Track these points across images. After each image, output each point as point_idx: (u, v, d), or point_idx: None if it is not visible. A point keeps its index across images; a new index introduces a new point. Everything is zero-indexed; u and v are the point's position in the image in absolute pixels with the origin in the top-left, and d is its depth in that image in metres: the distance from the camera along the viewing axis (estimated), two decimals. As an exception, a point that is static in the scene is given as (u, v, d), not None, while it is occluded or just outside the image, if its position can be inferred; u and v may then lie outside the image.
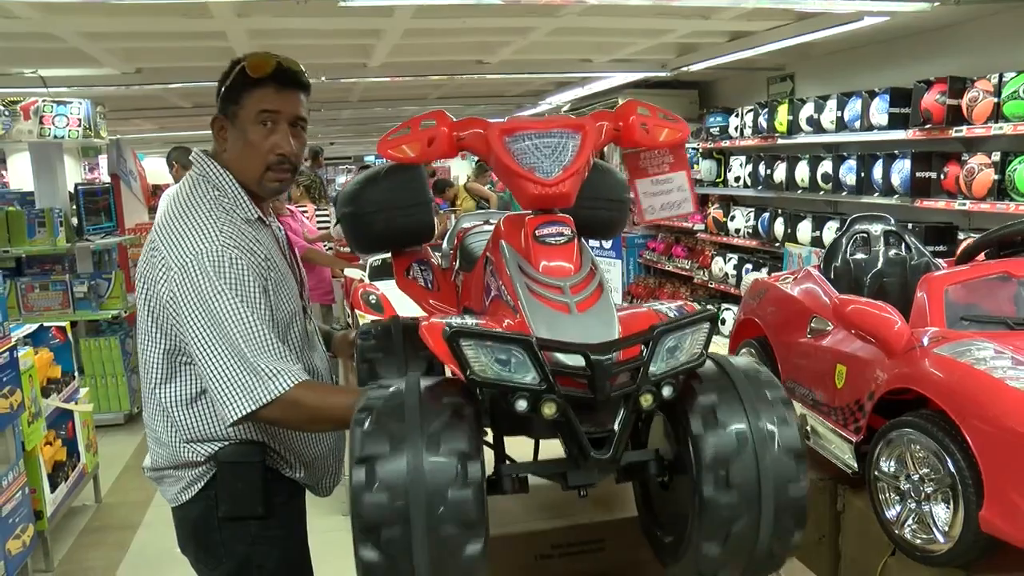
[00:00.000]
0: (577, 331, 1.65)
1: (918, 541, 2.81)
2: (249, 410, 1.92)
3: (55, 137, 6.50)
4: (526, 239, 1.83)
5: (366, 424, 1.52)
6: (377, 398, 1.59)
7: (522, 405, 1.54)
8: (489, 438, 1.79)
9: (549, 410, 1.54)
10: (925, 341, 2.96)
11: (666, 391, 1.65)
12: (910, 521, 2.87)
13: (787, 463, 1.68)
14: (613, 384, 1.58)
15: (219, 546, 2.14)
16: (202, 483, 2.13)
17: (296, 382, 1.95)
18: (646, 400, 1.62)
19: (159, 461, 2.17)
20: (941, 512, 2.74)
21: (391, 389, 1.61)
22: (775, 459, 1.67)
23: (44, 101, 6.36)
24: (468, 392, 1.62)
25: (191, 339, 1.97)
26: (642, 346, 1.62)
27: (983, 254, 3.50)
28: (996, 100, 4.65)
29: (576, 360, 1.57)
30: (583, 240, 1.89)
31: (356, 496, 1.46)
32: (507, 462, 1.80)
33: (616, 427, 1.63)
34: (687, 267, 8.36)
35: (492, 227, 2.16)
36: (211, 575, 2.20)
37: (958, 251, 3.73)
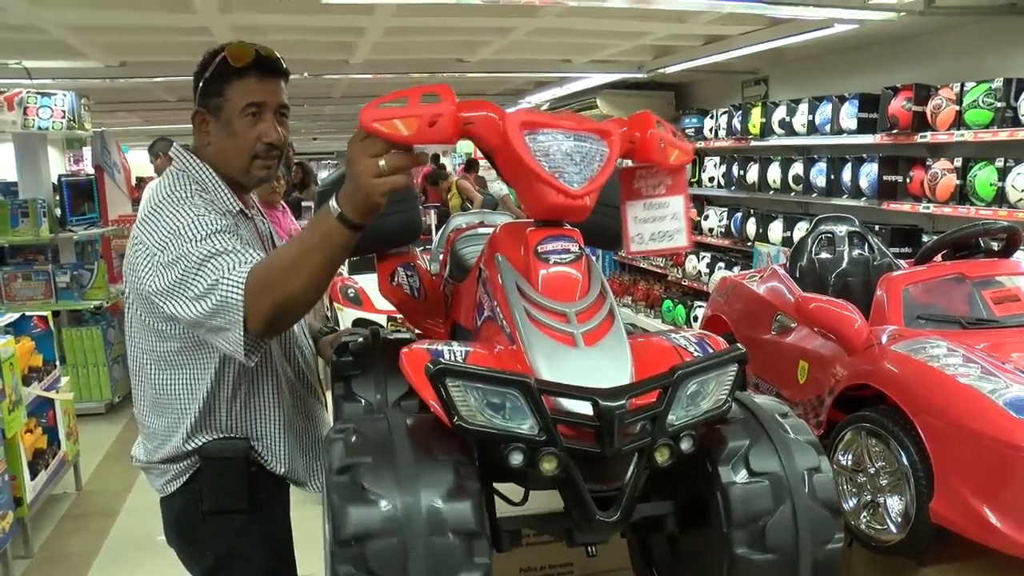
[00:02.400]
0: (584, 369, 1.43)
1: (872, 532, 2.93)
2: (240, 332, 1.75)
3: (39, 128, 6.49)
4: (526, 254, 1.58)
5: (346, 491, 1.34)
6: (358, 448, 1.39)
7: (517, 459, 1.34)
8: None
9: (549, 465, 1.34)
10: (884, 339, 3.08)
11: (684, 444, 1.43)
12: (865, 513, 2.99)
13: (825, 519, 1.48)
14: (624, 436, 1.36)
15: (203, 539, 2.12)
16: (186, 476, 2.09)
17: (241, 278, 1.76)
18: (662, 455, 1.42)
19: (148, 454, 2.15)
20: (895, 504, 2.86)
21: (371, 436, 1.42)
22: (813, 514, 1.46)
23: (28, 92, 6.35)
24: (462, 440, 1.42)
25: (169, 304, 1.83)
26: (659, 390, 1.41)
27: (940, 255, 3.63)
28: (958, 108, 4.79)
29: (582, 407, 1.36)
30: (592, 258, 1.66)
31: None
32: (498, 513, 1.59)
33: (626, 485, 1.42)
34: (661, 264, 8.44)
35: (488, 231, 1.94)
36: (196, 567, 2.18)
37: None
